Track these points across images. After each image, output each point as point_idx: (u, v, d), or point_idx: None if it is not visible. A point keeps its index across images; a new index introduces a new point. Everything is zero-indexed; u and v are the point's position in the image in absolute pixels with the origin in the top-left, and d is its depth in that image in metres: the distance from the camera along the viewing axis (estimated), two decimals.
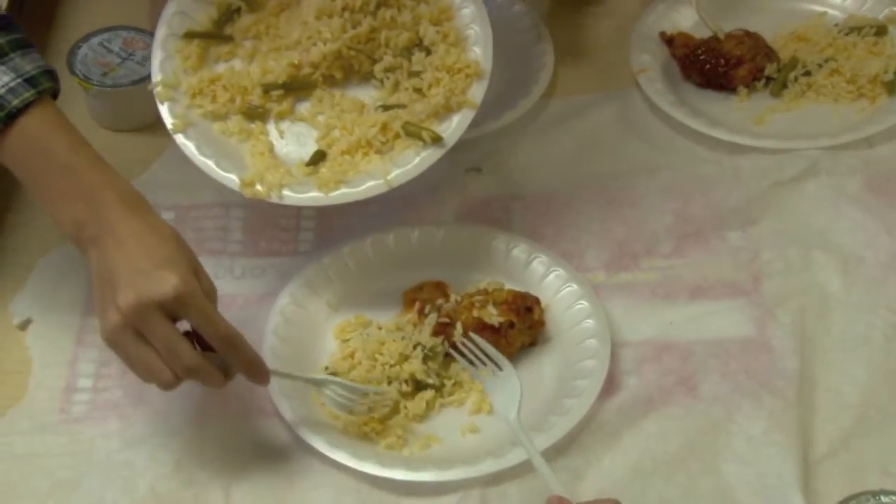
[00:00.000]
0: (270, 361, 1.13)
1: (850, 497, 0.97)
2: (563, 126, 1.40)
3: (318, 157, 1.16)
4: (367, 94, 1.20)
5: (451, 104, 1.15)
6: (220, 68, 1.21)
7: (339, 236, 1.26)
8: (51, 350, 1.17)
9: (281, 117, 1.20)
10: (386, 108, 1.17)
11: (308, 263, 1.23)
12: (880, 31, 1.44)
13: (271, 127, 1.19)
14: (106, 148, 1.34)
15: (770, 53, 1.42)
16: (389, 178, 1.13)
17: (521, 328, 1.15)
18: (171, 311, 0.97)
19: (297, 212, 1.31)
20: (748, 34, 1.43)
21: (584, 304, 1.18)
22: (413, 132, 1.14)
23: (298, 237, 1.29)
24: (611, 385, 1.12)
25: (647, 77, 1.41)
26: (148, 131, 1.38)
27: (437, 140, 1.14)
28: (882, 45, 1.43)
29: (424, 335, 1.16)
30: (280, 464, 1.09)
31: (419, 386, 1.13)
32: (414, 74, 1.18)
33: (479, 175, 1.34)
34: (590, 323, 1.16)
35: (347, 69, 1.20)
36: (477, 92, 1.16)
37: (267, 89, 1.19)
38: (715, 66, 1.41)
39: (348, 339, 1.18)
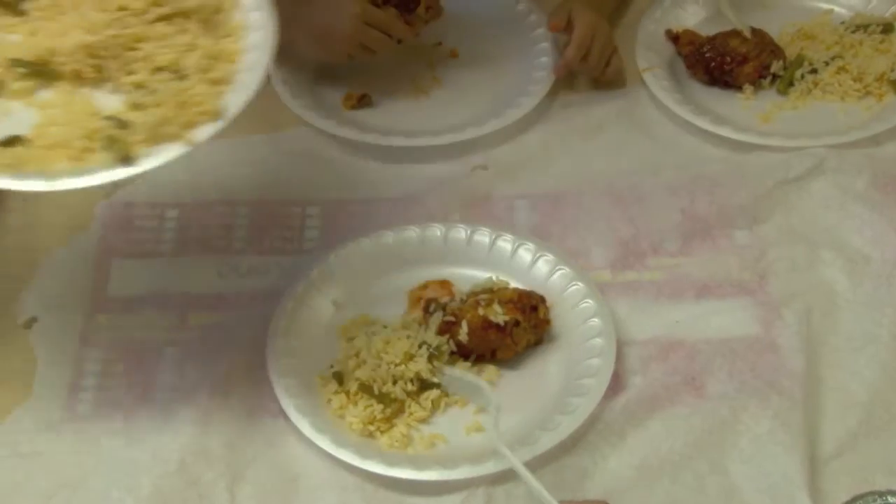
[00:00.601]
0: (275, 360, 1.13)
1: (857, 497, 0.96)
2: (568, 124, 1.39)
3: (11, 142, 1.03)
4: (114, 104, 1.05)
5: (160, 133, 1.01)
6: None
7: (344, 235, 1.26)
8: (56, 349, 1.17)
9: (14, 97, 1.07)
10: (110, 118, 1.03)
11: (313, 262, 1.22)
12: (887, 28, 1.44)
13: (3, 103, 1.06)
14: None
15: (776, 51, 1.42)
16: (55, 180, 1.00)
17: (526, 327, 1.15)
18: None
19: (303, 210, 1.30)
20: (754, 31, 1.42)
21: (589, 302, 1.18)
22: (107, 146, 1.01)
23: (304, 235, 1.28)
24: (616, 384, 1.12)
25: (652, 75, 1.41)
26: None
27: (126, 161, 1.00)
28: (889, 43, 1.42)
29: (430, 334, 1.15)
30: (285, 463, 1.09)
31: (424, 385, 1.13)
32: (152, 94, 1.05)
33: (484, 173, 1.34)
34: (595, 321, 1.16)
35: (100, 71, 1.07)
36: (202, 133, 1.01)
37: (13, 65, 1.07)
38: (720, 63, 1.41)
39: (353, 338, 1.18)
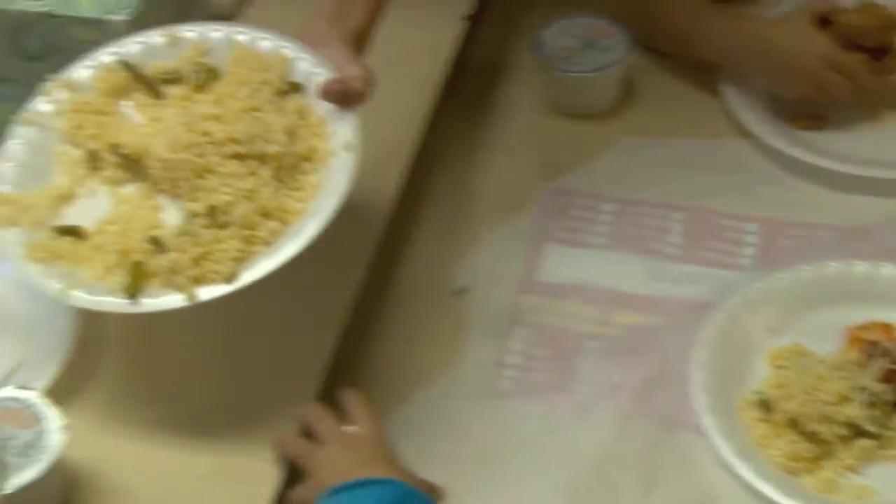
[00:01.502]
0: (699, 374, 1.10)
1: None
2: None
3: (68, 231, 1.01)
4: (175, 222, 1.01)
5: (171, 280, 0.96)
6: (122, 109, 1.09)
7: (784, 258, 1.20)
8: (485, 322, 1.19)
9: (105, 182, 1.04)
10: (154, 241, 0.98)
11: (749, 281, 1.17)
12: None
13: (95, 184, 1.05)
14: (556, 133, 1.37)
15: None
16: (64, 291, 0.97)
17: None
18: None
19: (741, 225, 1.26)
20: None
21: None
22: (128, 271, 0.97)
23: (741, 251, 1.23)
24: None
25: None
26: (601, 120, 1.37)
27: (130, 295, 0.96)
28: None
29: (869, 379, 1.07)
30: (700, 482, 1.05)
31: (858, 432, 1.05)
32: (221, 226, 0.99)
33: None
34: None
35: (175, 186, 1.02)
36: (206, 293, 0.95)
37: (111, 150, 1.05)
38: None
39: (783, 367, 1.12)
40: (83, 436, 0.98)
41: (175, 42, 1.10)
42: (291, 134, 1.03)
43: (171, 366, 1.09)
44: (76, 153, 1.06)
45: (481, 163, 1.34)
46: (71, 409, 0.99)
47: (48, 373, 1.03)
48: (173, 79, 1.09)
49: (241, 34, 1.10)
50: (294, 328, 1.11)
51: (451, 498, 1.00)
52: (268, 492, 1.00)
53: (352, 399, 1.04)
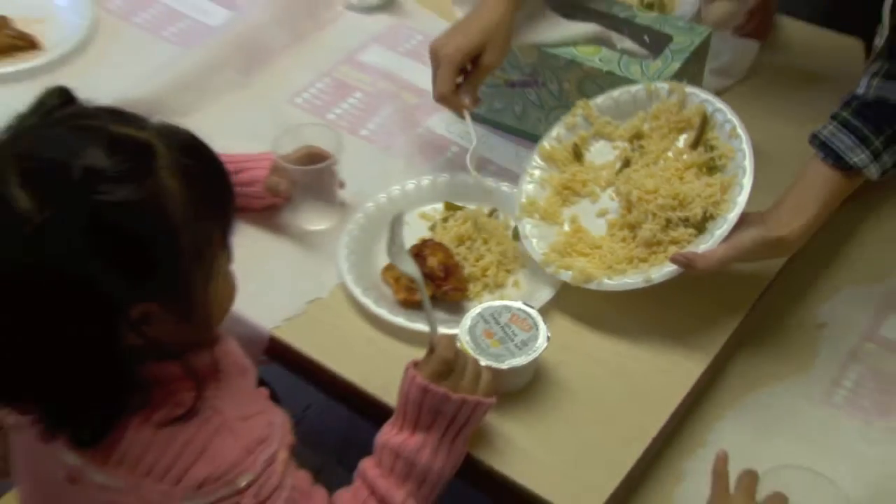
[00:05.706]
0: None
1: None
2: None
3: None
4: None
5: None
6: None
7: None
8: (833, 351, 1.55)
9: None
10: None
11: None
12: None
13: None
14: None
15: None
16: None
17: None
18: None
19: None
20: None
21: None
22: None
23: None
24: None
25: None
26: None
27: None
28: None
29: None
30: None
31: None
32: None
33: None
34: None
35: None
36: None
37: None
38: None
39: None
40: (553, 341, 1.47)
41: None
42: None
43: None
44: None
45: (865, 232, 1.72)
46: (549, 322, 1.49)
47: (543, 298, 1.56)
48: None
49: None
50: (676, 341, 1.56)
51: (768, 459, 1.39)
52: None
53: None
